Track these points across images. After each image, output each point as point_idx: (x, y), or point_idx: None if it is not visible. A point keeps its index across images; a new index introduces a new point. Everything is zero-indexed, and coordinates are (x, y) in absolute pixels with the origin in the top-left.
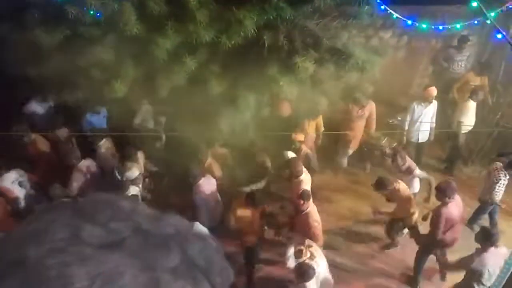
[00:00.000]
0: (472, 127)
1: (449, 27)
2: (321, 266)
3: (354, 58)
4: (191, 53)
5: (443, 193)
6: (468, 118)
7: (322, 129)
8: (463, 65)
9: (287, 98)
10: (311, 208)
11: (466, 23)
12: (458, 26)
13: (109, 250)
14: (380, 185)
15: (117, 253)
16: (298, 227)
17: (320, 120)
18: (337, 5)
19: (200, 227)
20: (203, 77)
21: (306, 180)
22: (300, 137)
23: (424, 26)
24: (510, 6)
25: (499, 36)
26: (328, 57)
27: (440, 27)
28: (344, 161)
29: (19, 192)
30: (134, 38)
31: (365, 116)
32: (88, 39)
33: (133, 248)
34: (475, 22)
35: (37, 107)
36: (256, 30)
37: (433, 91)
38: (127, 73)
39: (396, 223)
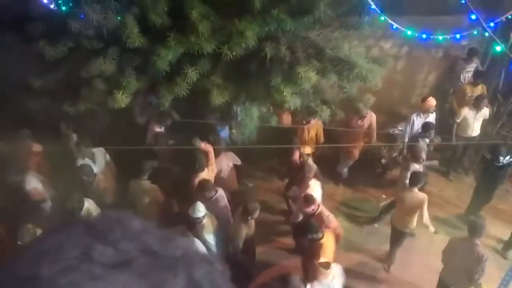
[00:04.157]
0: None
1: (449, 37)
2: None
3: (358, 68)
4: (193, 64)
5: None
6: (468, 126)
7: (322, 139)
8: (469, 76)
9: (290, 108)
10: (321, 208)
11: (465, 34)
12: (458, 36)
13: (118, 270)
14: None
15: (125, 274)
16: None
17: (320, 130)
18: (338, 16)
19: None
20: (205, 88)
21: (314, 187)
22: (307, 150)
23: (424, 36)
24: (510, 17)
25: (498, 48)
26: (331, 67)
27: (440, 38)
28: (345, 172)
29: None
30: (137, 50)
31: (366, 127)
32: (91, 51)
33: (140, 269)
34: (475, 32)
35: (158, 127)
36: (258, 42)
37: (432, 101)
38: (130, 84)
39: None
